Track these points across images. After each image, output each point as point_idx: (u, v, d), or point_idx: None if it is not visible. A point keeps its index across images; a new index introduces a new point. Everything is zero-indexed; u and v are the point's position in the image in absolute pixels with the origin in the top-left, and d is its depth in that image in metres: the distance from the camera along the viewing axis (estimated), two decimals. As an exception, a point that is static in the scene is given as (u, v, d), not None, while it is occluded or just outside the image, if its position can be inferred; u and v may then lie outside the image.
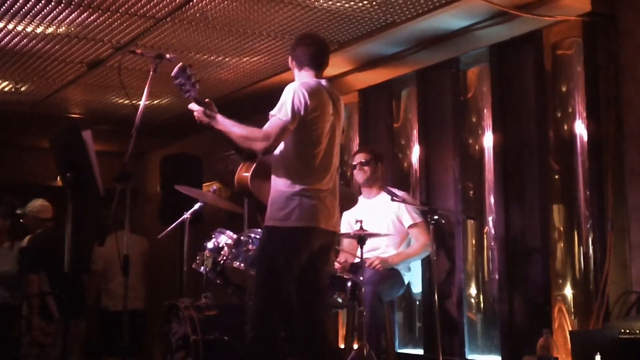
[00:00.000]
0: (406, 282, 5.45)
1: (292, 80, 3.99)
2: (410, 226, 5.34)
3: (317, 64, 3.97)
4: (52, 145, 4.49)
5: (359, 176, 5.49)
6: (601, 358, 3.98)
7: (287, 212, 3.72)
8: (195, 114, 3.85)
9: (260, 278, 3.81)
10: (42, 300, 6.20)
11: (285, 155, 3.78)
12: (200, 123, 3.87)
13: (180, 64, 3.80)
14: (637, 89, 4.69)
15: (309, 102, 3.73)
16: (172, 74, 3.77)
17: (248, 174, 3.89)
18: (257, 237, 4.87)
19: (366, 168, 5.45)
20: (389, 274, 5.21)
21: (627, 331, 4.05)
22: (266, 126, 3.73)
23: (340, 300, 4.89)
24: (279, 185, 3.78)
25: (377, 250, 5.27)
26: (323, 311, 3.97)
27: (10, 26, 5.60)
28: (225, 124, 3.81)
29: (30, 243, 6.48)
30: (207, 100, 3.86)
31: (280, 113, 3.70)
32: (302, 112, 3.72)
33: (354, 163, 5.51)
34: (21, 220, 6.71)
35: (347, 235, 5.01)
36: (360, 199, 5.51)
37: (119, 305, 6.76)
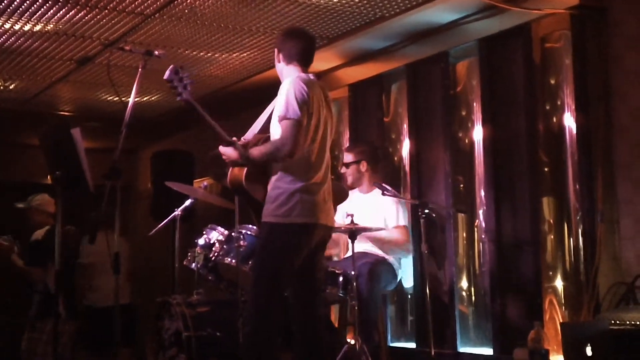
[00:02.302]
0: (399, 278, 5.46)
1: (281, 76, 3.98)
2: (395, 227, 5.34)
3: (306, 59, 3.96)
4: (41, 143, 4.48)
5: (347, 177, 5.49)
6: (592, 349, 4.00)
7: (288, 208, 3.72)
8: (224, 157, 3.86)
9: (259, 273, 3.81)
10: (49, 298, 6.12)
11: None
12: (228, 162, 3.88)
13: (172, 66, 3.75)
14: (626, 81, 4.71)
15: (309, 94, 3.74)
16: (165, 76, 3.72)
17: (242, 173, 3.89)
18: (249, 233, 4.88)
19: (349, 170, 5.45)
20: (383, 267, 5.23)
21: (618, 322, 4.07)
22: (281, 131, 3.71)
23: (332, 294, 4.90)
24: (279, 181, 3.77)
25: (366, 244, 5.28)
26: (320, 306, 3.99)
27: (-2, 24, 5.59)
28: (254, 154, 3.79)
29: (46, 236, 6.37)
30: (234, 138, 3.86)
31: (289, 113, 3.69)
32: (307, 104, 3.72)
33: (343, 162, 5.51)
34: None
35: (338, 230, 5.02)
36: (356, 192, 5.52)
37: (106, 301, 6.68)
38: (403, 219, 5.36)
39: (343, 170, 5.49)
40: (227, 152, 3.86)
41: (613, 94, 4.76)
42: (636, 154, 4.64)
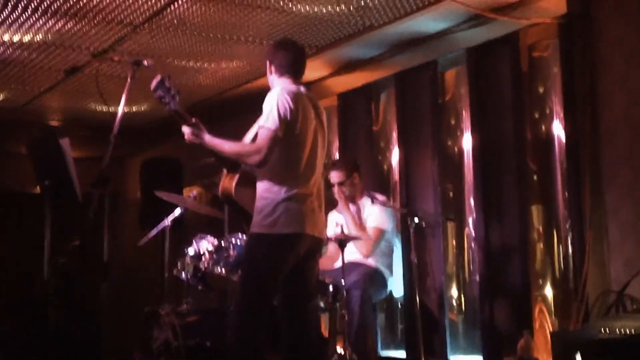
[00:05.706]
0: (389, 287, 5.46)
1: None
2: (371, 228, 5.34)
3: (297, 71, 3.96)
4: (29, 153, 4.48)
5: (340, 196, 5.44)
6: (581, 358, 4.01)
7: (273, 218, 3.71)
8: (185, 136, 3.83)
9: (245, 284, 3.80)
10: None
11: (271, 162, 3.75)
12: (190, 143, 3.85)
13: (159, 76, 3.76)
14: (612, 86, 4.72)
15: (292, 107, 3.73)
16: (151, 87, 3.74)
17: (232, 184, 3.88)
18: (238, 242, 4.87)
19: (344, 188, 5.40)
20: (374, 277, 5.23)
21: (607, 330, 4.07)
22: (257, 139, 3.71)
23: (322, 304, 4.90)
24: (265, 191, 3.76)
25: (355, 253, 5.27)
26: (310, 316, 3.97)
27: (-14, 34, 5.58)
28: (215, 142, 3.79)
29: None
30: (194, 119, 3.83)
31: (268, 122, 3.69)
32: (288, 117, 3.71)
33: (331, 182, 5.42)
34: None
35: (328, 239, 5.01)
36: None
37: None
38: (380, 221, 5.34)
39: (337, 190, 5.40)
40: (185, 131, 3.82)
41: (599, 100, 4.77)
42: (622, 161, 4.65)
